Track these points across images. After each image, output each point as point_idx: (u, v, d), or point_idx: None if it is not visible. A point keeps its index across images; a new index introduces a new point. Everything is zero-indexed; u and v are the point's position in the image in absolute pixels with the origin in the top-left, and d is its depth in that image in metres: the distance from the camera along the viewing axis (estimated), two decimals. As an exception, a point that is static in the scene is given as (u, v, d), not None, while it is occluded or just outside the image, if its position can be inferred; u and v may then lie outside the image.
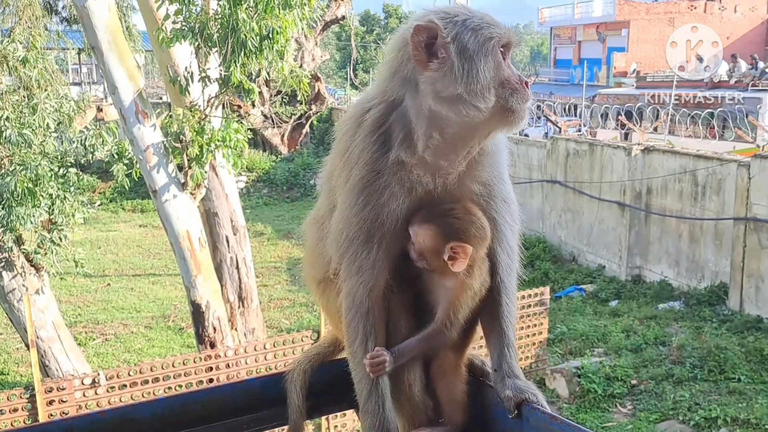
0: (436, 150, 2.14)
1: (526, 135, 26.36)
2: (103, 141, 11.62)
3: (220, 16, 10.18)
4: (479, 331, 2.36)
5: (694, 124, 24.60)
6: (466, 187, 2.22)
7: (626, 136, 22.71)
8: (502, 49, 2.10)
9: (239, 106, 26.39)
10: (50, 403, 9.95)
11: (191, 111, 11.18)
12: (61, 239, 11.88)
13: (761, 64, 26.55)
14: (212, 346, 11.87)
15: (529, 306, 13.59)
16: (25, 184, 10.73)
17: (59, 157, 11.74)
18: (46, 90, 12.30)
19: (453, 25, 2.08)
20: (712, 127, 24.16)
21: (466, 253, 2.16)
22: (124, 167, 11.19)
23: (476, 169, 2.22)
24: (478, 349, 2.51)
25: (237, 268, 13.01)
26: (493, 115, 2.08)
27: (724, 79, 26.88)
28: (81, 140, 11.79)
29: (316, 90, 31.34)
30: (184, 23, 10.32)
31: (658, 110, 26.00)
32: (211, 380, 10.63)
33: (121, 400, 10.08)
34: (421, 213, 2.18)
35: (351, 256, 2.21)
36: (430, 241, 2.17)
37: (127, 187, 12.28)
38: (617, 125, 24.91)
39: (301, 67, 13.25)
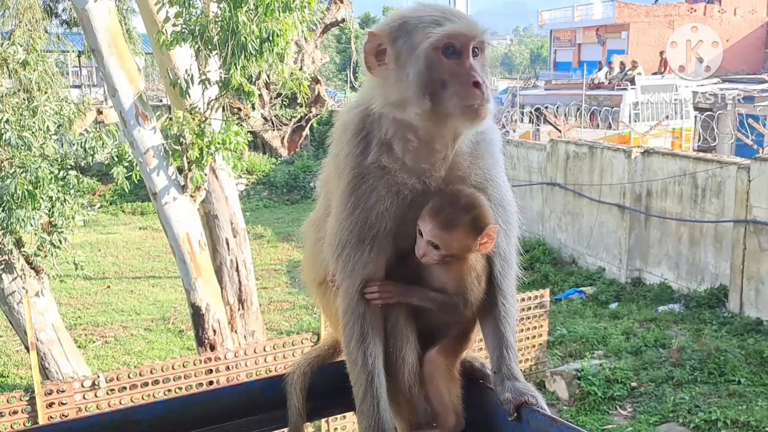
0: (416, 153, 2.16)
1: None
2: (103, 143, 11.62)
3: (220, 18, 10.18)
4: (478, 335, 2.37)
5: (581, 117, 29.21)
6: (465, 184, 2.23)
7: (537, 130, 26.95)
8: (449, 48, 2.08)
9: (239, 109, 26.40)
10: (50, 405, 9.94)
11: (191, 113, 11.18)
12: (61, 242, 11.88)
13: (627, 68, 31.36)
14: (212, 348, 11.86)
15: (529, 308, 13.58)
16: (25, 187, 10.72)
17: (59, 160, 11.74)
18: (46, 93, 12.30)
19: (391, 31, 2.12)
20: (592, 119, 28.64)
21: (495, 232, 2.20)
22: (124, 170, 11.17)
23: (466, 170, 2.23)
24: (479, 351, 2.52)
25: (237, 270, 13.02)
26: (443, 116, 2.09)
27: (602, 81, 31.58)
28: (81, 143, 11.79)
29: (316, 92, 31.33)
30: (184, 26, 10.32)
31: (557, 107, 29.98)
32: (210, 383, 10.62)
33: (120, 403, 10.07)
34: (433, 217, 2.17)
35: (344, 258, 2.23)
36: (464, 240, 2.19)
37: (127, 190, 12.24)
38: (530, 120, 29.69)
39: (301, 69, 13.24)
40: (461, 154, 2.23)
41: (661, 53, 36.12)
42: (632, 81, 29.17)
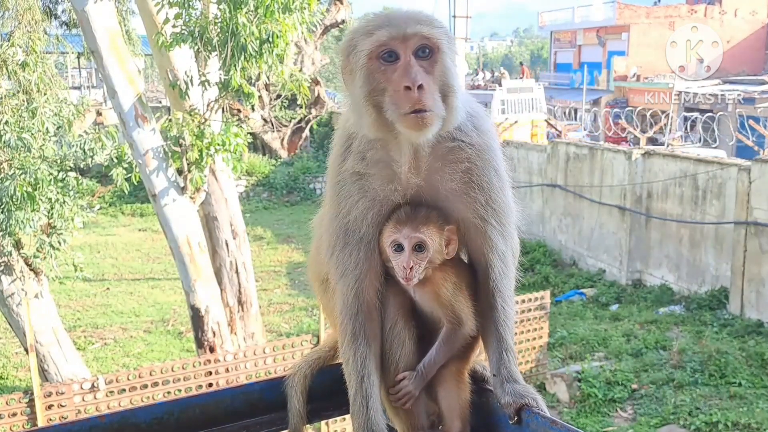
0: (382, 163, 2.20)
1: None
2: (102, 145, 11.59)
3: (219, 19, 10.18)
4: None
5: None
6: (435, 193, 2.23)
7: None
8: (386, 55, 2.06)
9: (239, 110, 26.39)
10: (49, 407, 9.94)
11: (191, 115, 11.18)
12: (60, 243, 11.86)
13: (497, 73, 39.94)
14: (212, 350, 11.85)
15: (530, 310, 13.54)
16: (25, 189, 10.70)
17: (58, 161, 11.71)
18: (45, 94, 12.29)
19: (346, 47, 2.16)
20: None
21: (454, 233, 2.23)
22: (124, 171, 11.16)
23: (439, 175, 2.22)
24: (478, 355, 2.50)
25: (236, 272, 13.01)
26: (390, 126, 2.09)
27: (480, 84, 38.45)
28: (80, 144, 11.76)
29: (316, 94, 31.35)
30: (183, 27, 10.32)
31: None
32: (210, 385, 10.62)
33: (120, 405, 10.07)
34: (407, 221, 2.19)
35: (335, 260, 2.28)
36: (438, 236, 2.21)
37: (126, 191, 12.22)
38: None
39: (300, 70, 13.25)
40: (438, 160, 2.20)
41: (521, 63, 44.81)
42: (500, 83, 35.69)
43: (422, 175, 2.20)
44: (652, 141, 28.35)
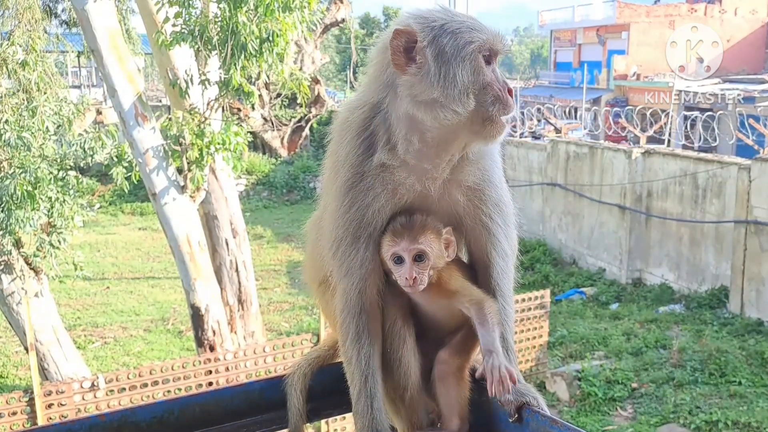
0: (418, 153, 2.15)
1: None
2: (102, 144, 11.59)
3: (219, 18, 10.18)
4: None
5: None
6: (453, 190, 2.22)
7: None
8: (486, 54, 2.10)
9: (239, 109, 26.39)
10: (49, 406, 9.94)
11: (191, 114, 11.18)
12: (60, 242, 11.85)
13: None
14: (212, 349, 11.86)
15: (530, 309, 13.54)
16: (25, 187, 10.70)
17: (58, 160, 11.71)
18: (45, 93, 12.29)
19: (431, 29, 2.09)
20: None
21: (452, 234, 2.23)
22: (124, 170, 11.15)
23: (463, 172, 2.22)
24: (478, 353, 2.50)
25: (236, 271, 13.01)
26: (472, 121, 2.08)
27: None
28: (80, 143, 11.75)
29: (316, 93, 31.33)
30: (183, 26, 10.32)
31: None
32: (210, 383, 10.63)
33: (120, 404, 10.07)
34: (403, 231, 2.18)
35: (340, 257, 2.24)
36: (436, 240, 2.19)
37: (126, 190, 12.21)
38: None
39: (300, 69, 13.25)
40: (463, 156, 2.22)
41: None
42: None
43: (451, 171, 2.20)
44: (533, 135, 29.10)
